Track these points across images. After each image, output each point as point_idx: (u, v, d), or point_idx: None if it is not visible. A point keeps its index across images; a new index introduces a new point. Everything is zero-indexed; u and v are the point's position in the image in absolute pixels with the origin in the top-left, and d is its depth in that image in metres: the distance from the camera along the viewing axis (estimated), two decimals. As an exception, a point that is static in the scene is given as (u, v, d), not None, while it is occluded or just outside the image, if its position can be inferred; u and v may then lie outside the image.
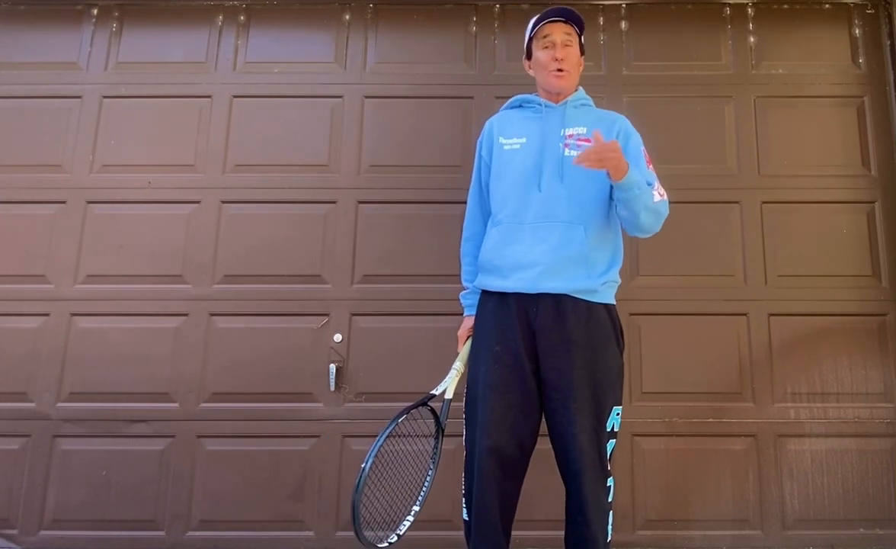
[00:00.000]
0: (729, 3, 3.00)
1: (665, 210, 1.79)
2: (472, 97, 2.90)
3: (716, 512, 2.57)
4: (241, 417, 2.63)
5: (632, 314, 2.69)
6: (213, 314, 2.71)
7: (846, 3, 2.99)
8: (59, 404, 2.63)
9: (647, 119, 2.85)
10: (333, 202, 2.81)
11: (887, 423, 2.63)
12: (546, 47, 1.87)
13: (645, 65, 2.94)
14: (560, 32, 1.86)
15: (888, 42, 2.93)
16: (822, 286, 2.72)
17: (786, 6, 2.99)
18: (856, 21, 2.97)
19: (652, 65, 2.94)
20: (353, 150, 2.85)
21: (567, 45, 1.87)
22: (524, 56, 1.99)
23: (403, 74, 2.93)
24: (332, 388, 2.63)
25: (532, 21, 1.91)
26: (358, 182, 2.83)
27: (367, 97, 2.91)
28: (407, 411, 1.68)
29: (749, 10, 2.99)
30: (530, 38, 1.93)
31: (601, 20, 2.99)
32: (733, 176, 2.82)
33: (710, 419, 2.63)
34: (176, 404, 2.64)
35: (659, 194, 1.76)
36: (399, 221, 2.79)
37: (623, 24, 2.99)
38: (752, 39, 2.96)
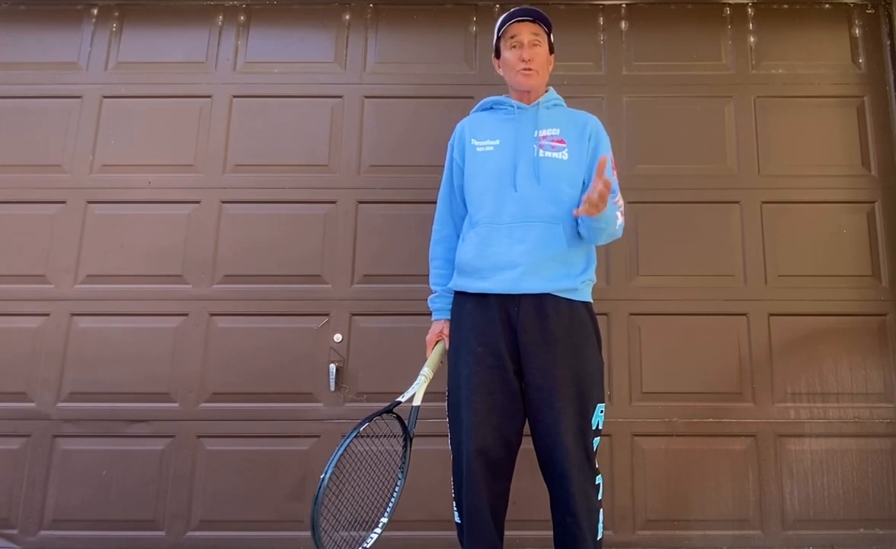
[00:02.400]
0: (729, 3, 3.00)
1: (621, 232, 1.83)
2: (472, 97, 2.89)
3: (716, 512, 2.57)
4: (241, 417, 2.63)
5: (632, 314, 2.69)
6: (212, 314, 2.71)
7: (846, 3, 2.99)
8: (59, 404, 2.63)
9: (647, 119, 2.86)
10: (333, 202, 2.81)
11: (887, 423, 2.63)
12: (514, 47, 1.87)
13: (645, 65, 2.94)
14: (527, 32, 1.86)
15: (888, 42, 2.93)
16: (822, 286, 2.72)
17: (786, 6, 2.99)
18: (856, 21, 2.97)
19: (652, 65, 2.94)
20: (352, 150, 2.85)
21: (535, 45, 1.86)
22: (493, 55, 1.98)
23: (403, 74, 2.93)
24: (332, 388, 2.63)
25: (499, 21, 1.91)
26: (358, 182, 2.83)
27: (366, 97, 2.91)
28: (369, 419, 1.64)
29: (749, 10, 2.99)
30: (498, 38, 1.92)
31: (601, 20, 2.99)
32: (733, 176, 2.82)
33: (710, 419, 2.63)
34: (176, 404, 2.64)
35: (621, 216, 1.79)
36: (399, 221, 2.79)
37: (623, 24, 2.99)
38: (752, 39, 2.96)
